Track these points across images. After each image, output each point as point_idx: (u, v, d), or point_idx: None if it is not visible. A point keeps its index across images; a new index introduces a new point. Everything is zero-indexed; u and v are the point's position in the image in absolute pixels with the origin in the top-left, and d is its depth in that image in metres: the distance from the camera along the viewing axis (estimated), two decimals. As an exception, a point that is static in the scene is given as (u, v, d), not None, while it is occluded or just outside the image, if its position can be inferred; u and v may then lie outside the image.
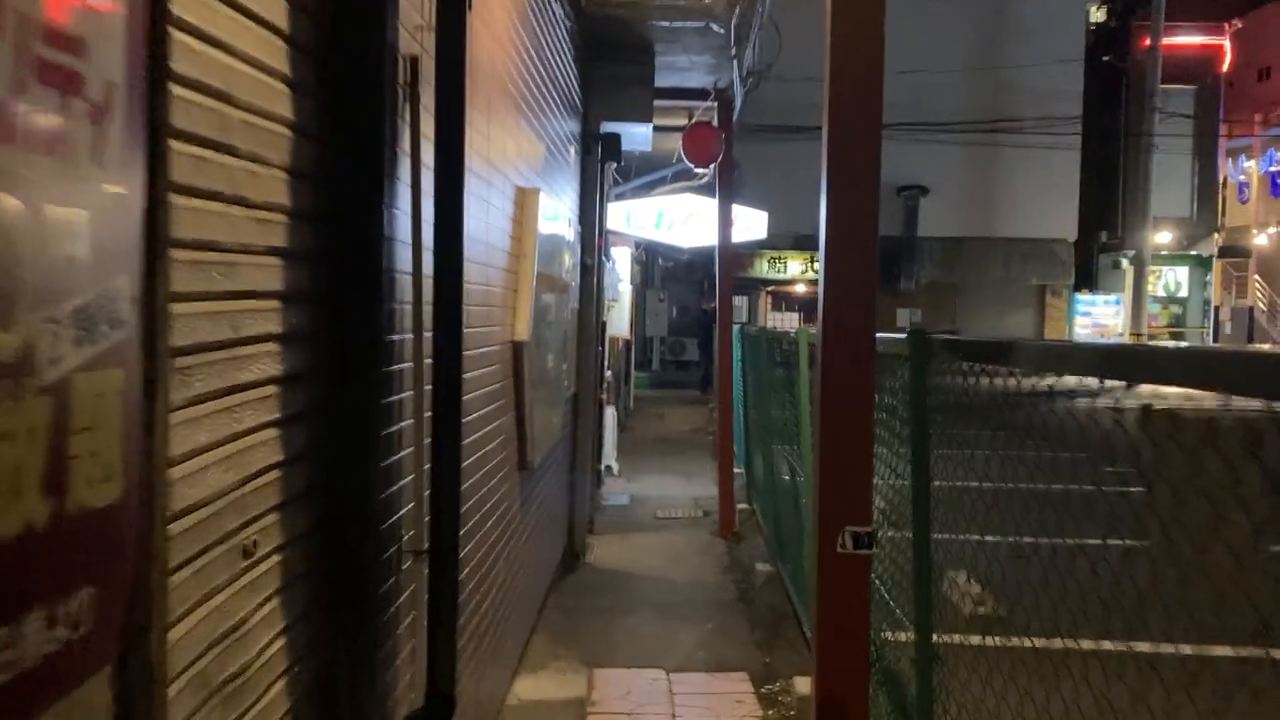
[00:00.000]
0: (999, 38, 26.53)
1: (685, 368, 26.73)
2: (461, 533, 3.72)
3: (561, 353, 6.37)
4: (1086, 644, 2.17)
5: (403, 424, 2.83)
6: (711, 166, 8.61)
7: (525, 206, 4.99)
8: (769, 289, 28.36)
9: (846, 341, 2.72)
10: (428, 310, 2.85)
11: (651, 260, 22.20)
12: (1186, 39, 26.45)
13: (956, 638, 2.81)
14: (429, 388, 2.85)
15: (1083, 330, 27.10)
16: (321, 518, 2.39)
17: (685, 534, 9.14)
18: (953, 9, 25.74)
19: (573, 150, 7.35)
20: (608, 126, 7.98)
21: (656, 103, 8.58)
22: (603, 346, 10.19)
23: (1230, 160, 32.89)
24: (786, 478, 7.05)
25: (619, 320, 11.77)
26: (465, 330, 3.71)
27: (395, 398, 2.76)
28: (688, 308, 27.38)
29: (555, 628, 6.23)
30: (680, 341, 27.20)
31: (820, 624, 2.78)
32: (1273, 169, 32.88)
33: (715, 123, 9.45)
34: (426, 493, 2.85)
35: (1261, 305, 32.74)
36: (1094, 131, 26.31)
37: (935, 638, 2.78)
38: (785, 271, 27.11)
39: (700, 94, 8.95)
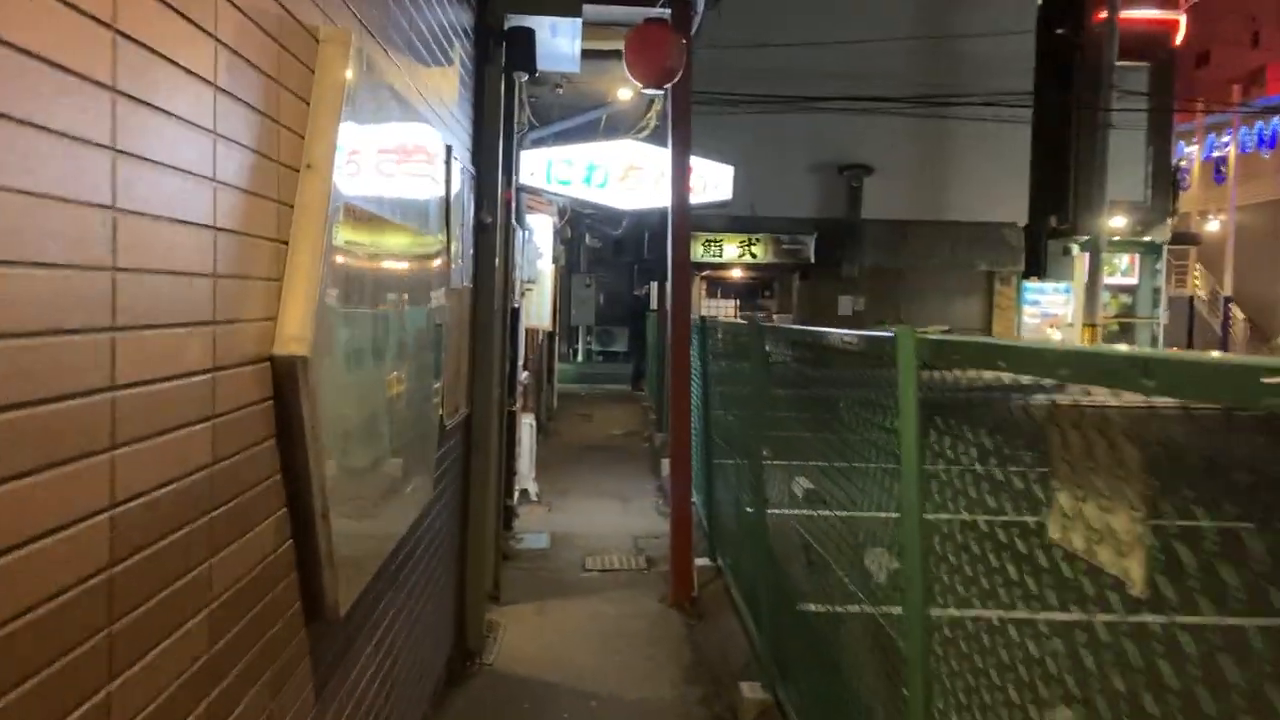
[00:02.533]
0: (947, 4, 24.42)
1: (614, 359, 24.06)
2: None
3: (430, 362, 3.68)
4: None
5: None
6: (665, 89, 5.96)
7: (321, 65, 2.30)
8: (703, 274, 25.80)
9: None
10: None
11: (577, 241, 19.49)
12: (1141, 12, 24.45)
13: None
14: None
15: (1031, 320, 25.08)
16: None
17: (624, 600, 6.52)
18: (900, -27, 23.57)
19: (459, 49, 4.65)
20: (516, 21, 5.28)
21: (587, 9, 5.91)
22: (515, 342, 7.52)
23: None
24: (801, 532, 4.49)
25: (538, 307, 9.09)
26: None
27: None
28: (617, 294, 24.72)
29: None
30: (609, 331, 24.48)
31: None
32: (1215, 155, 31.47)
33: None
34: None
35: (1202, 295, 31.36)
36: (1045, 109, 24.25)
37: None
38: (721, 255, 24.58)
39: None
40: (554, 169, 7.10)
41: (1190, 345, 30.85)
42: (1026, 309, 25.08)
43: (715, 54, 17.97)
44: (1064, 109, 23.90)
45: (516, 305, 7.24)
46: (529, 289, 8.33)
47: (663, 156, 7.44)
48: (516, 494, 8.77)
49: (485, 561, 5.57)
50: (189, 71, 1.63)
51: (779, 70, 22.01)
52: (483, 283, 5.32)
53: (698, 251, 24.82)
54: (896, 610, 2.55)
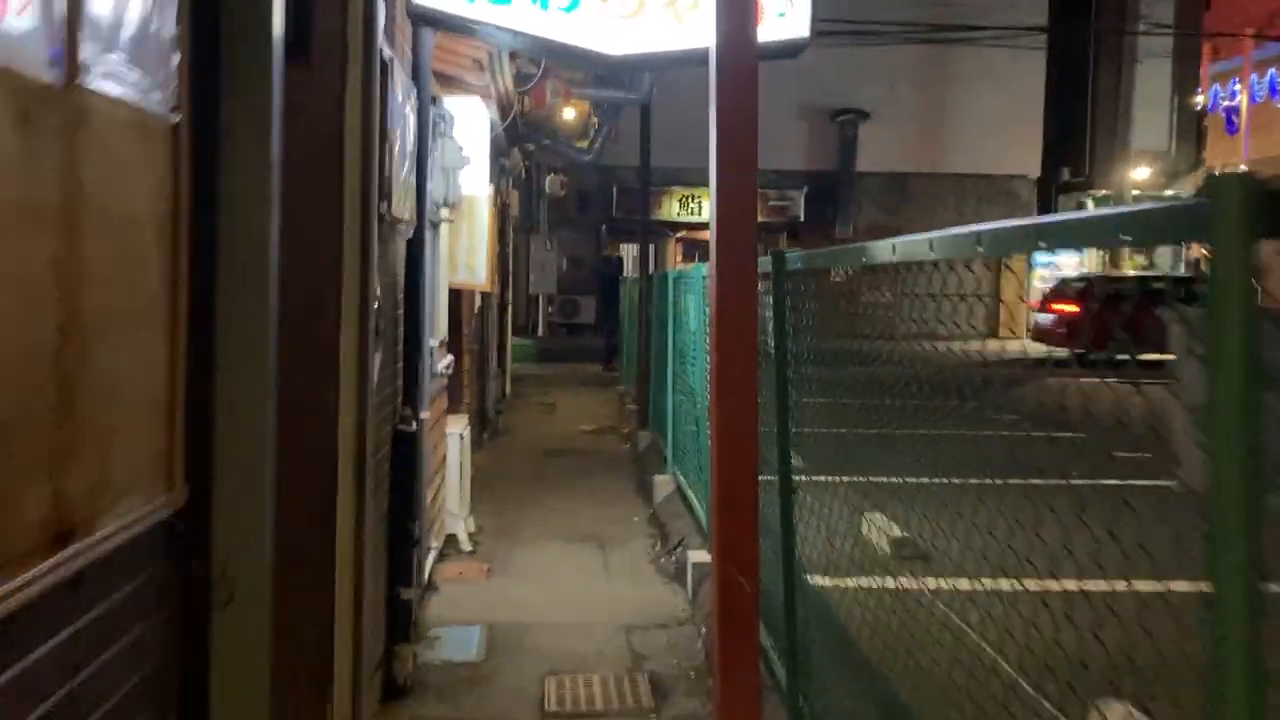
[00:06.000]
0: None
1: (580, 333, 20.59)
2: None
3: None
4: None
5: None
6: None
7: None
8: (679, 235, 22.39)
9: None
10: None
11: (535, 192, 15.98)
12: (1166, -65, 21.21)
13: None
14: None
15: (1042, 284, 21.98)
16: None
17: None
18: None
19: None
20: None
21: None
22: (414, 303, 4.08)
23: (1178, 94, 28.30)
24: None
25: (468, 254, 5.66)
26: None
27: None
28: (583, 259, 21.21)
29: None
30: (573, 300, 20.92)
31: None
32: (1224, 104, 28.49)
33: None
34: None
35: (1208, 254, 28.51)
36: (1062, 44, 20.99)
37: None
38: (699, 213, 21.15)
39: None
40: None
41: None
42: (1037, 271, 21.98)
43: None
44: (1083, 43, 20.71)
45: (411, 235, 3.80)
46: (447, 220, 4.88)
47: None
48: (434, 550, 5.37)
49: None
50: None
51: None
52: (247, 138, 1.87)
53: (673, 209, 21.37)
54: None
